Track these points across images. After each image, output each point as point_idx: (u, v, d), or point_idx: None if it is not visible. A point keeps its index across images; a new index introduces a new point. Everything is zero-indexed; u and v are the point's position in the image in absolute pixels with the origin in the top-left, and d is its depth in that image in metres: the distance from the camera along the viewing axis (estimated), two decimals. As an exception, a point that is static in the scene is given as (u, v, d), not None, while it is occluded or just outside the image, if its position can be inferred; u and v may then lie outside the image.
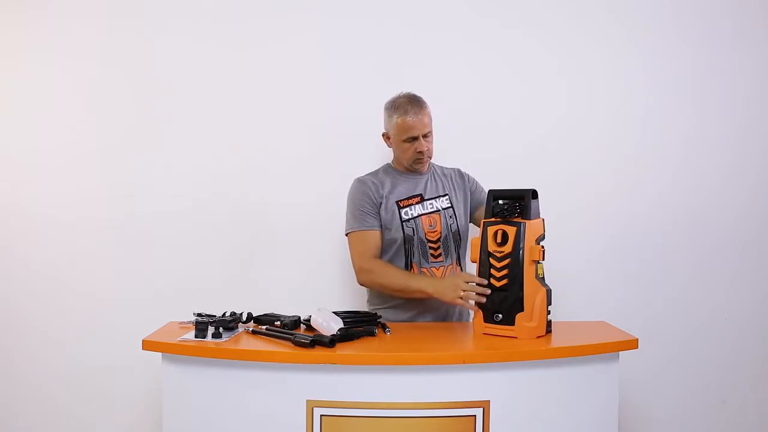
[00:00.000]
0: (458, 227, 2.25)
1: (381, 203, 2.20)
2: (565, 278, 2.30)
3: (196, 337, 1.83)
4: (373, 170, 2.32)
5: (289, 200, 2.61)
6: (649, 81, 2.62)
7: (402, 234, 2.18)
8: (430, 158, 2.27)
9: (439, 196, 2.27)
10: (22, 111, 2.63)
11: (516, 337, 1.86)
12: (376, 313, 2.11)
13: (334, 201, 2.36)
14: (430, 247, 2.20)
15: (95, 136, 2.62)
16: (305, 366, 1.73)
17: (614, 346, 1.85)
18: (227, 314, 1.98)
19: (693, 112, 2.63)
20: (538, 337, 1.87)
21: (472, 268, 2.03)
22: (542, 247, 1.90)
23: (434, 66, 2.59)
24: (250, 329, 1.95)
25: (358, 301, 2.40)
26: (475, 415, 1.72)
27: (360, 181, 2.25)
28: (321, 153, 2.61)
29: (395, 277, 2.13)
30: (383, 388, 1.73)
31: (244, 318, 2.04)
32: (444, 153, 2.39)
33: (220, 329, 1.86)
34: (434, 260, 2.20)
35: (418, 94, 2.24)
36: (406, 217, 2.20)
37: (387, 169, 2.31)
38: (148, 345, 1.82)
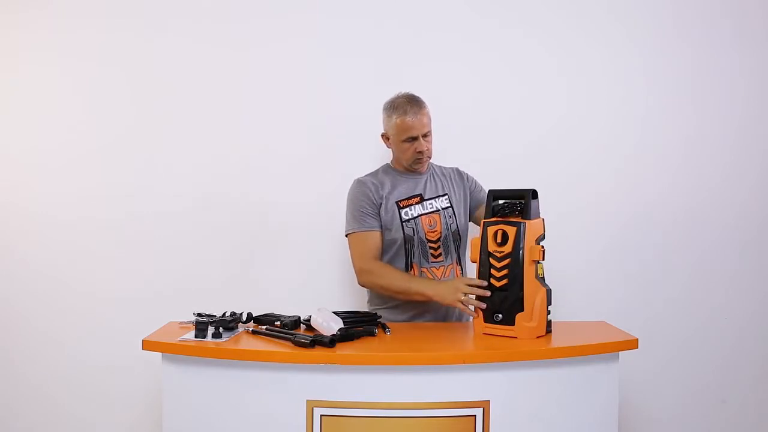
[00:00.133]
0: (458, 227, 2.25)
1: (381, 204, 2.20)
2: (565, 278, 2.30)
3: (196, 337, 1.83)
4: (373, 171, 2.32)
5: (289, 200, 2.61)
6: (649, 81, 2.62)
7: (402, 234, 2.18)
8: (430, 158, 2.27)
9: (439, 196, 2.27)
10: (22, 111, 2.63)
11: (516, 337, 1.86)
12: (376, 313, 2.10)
13: (334, 201, 2.36)
14: (431, 247, 2.20)
15: (95, 136, 2.62)
16: (305, 366, 1.73)
17: (614, 346, 1.85)
18: (227, 314, 1.98)
19: (693, 112, 2.63)
20: (538, 337, 1.87)
21: (472, 268, 2.04)
22: (542, 247, 1.89)
23: (434, 66, 2.59)
24: (250, 329, 1.95)
25: (358, 301, 2.40)
26: (475, 415, 1.72)
27: (359, 182, 2.25)
28: (321, 153, 2.61)
29: (396, 279, 2.13)
30: (383, 388, 1.73)
31: (244, 318, 2.04)
32: (444, 153, 2.39)
33: (220, 329, 1.86)
34: (434, 260, 2.20)
35: (417, 94, 2.24)
36: (406, 218, 2.20)
37: (386, 169, 2.31)
38: (148, 345, 1.82)
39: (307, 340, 1.75)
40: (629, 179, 2.63)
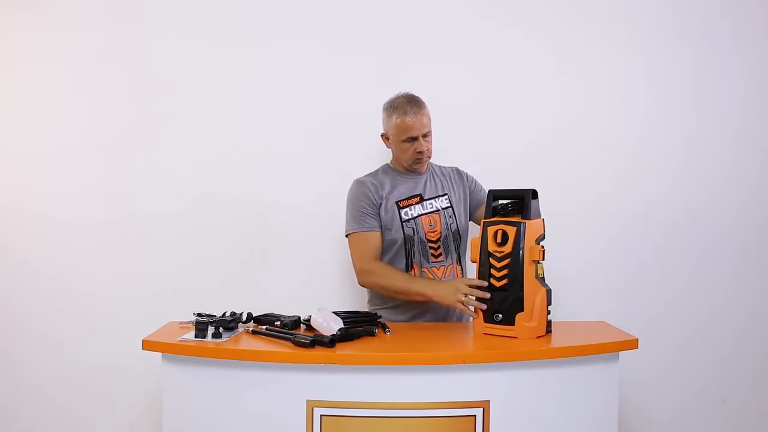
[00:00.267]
0: (458, 227, 2.25)
1: (381, 204, 2.20)
2: (565, 278, 2.30)
3: (196, 337, 1.83)
4: (372, 171, 2.32)
5: (289, 200, 2.61)
6: (649, 81, 2.62)
7: (402, 234, 2.18)
8: (430, 158, 2.27)
9: (439, 196, 2.27)
10: (22, 111, 2.63)
11: (516, 337, 1.86)
12: (376, 313, 2.10)
13: (334, 201, 2.36)
14: (431, 247, 2.20)
15: (95, 136, 2.62)
16: (305, 366, 1.73)
17: (614, 346, 1.85)
18: (227, 314, 1.98)
19: (693, 112, 2.63)
20: (538, 337, 1.87)
21: (472, 268, 2.04)
22: (542, 247, 1.89)
23: (434, 66, 2.59)
24: (250, 329, 1.95)
25: (358, 301, 2.40)
26: (475, 415, 1.72)
27: (359, 182, 2.25)
28: (321, 153, 2.61)
29: (396, 280, 2.13)
30: (383, 388, 1.73)
31: (244, 318, 2.04)
32: (444, 153, 2.39)
33: (220, 329, 1.86)
34: (434, 260, 2.20)
35: (417, 94, 2.24)
36: (406, 218, 2.20)
37: (386, 169, 2.31)
38: (148, 345, 1.82)
39: (307, 340, 1.75)
40: (629, 179, 2.63)
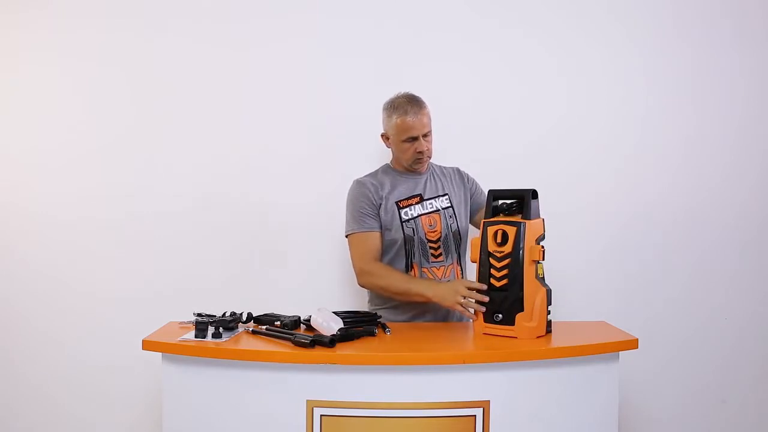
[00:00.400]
0: (458, 227, 2.25)
1: (380, 204, 2.20)
2: (565, 278, 2.30)
3: (196, 337, 1.82)
4: (372, 171, 2.32)
5: (289, 200, 2.61)
6: (649, 81, 2.62)
7: (402, 234, 2.18)
8: (430, 158, 2.27)
9: (439, 196, 2.27)
10: (22, 111, 2.63)
11: (516, 337, 1.86)
12: (376, 313, 2.10)
13: (334, 201, 2.35)
14: (431, 247, 2.20)
15: (95, 136, 2.62)
16: (305, 366, 1.73)
17: (614, 346, 1.85)
18: (227, 314, 1.98)
19: (693, 112, 2.63)
20: (538, 337, 1.87)
21: (472, 268, 2.04)
22: (542, 247, 1.89)
23: (434, 66, 2.59)
24: (250, 329, 1.95)
25: (358, 301, 2.40)
26: (475, 415, 1.72)
27: (359, 183, 2.25)
28: (321, 153, 2.61)
29: (395, 280, 2.13)
30: (383, 388, 1.73)
31: (244, 318, 2.04)
32: (444, 153, 2.39)
33: (220, 329, 1.86)
34: (435, 260, 2.20)
35: (417, 94, 2.23)
36: (406, 218, 2.20)
37: (386, 169, 2.31)
38: (148, 345, 1.82)
39: (307, 340, 1.75)
40: (629, 179, 2.63)
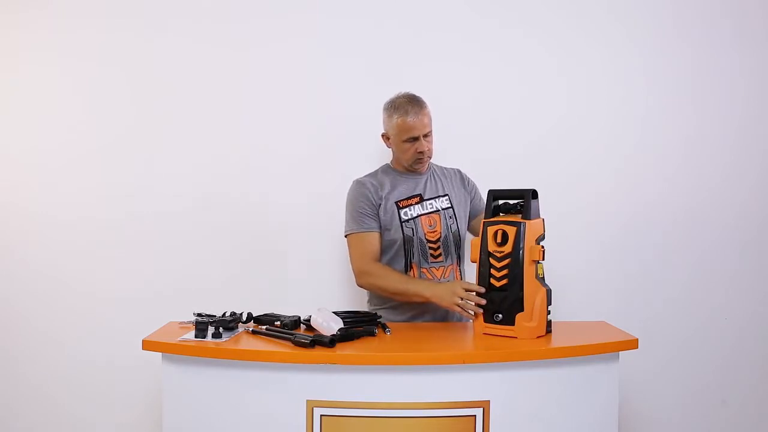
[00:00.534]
0: (458, 227, 2.25)
1: (380, 204, 2.20)
2: (565, 278, 2.30)
3: (196, 337, 1.83)
4: (372, 171, 2.31)
5: (289, 200, 2.61)
6: (649, 81, 2.62)
7: (401, 234, 2.18)
8: (430, 158, 2.27)
9: (439, 196, 2.26)
10: (22, 111, 2.63)
11: (516, 337, 1.86)
12: (376, 313, 2.10)
13: (334, 201, 2.35)
14: (430, 248, 2.20)
15: (95, 136, 2.62)
16: (305, 366, 1.73)
17: (614, 346, 1.85)
18: (227, 314, 1.98)
19: (693, 112, 2.63)
20: (538, 337, 1.87)
21: (472, 269, 2.04)
22: (542, 247, 1.89)
23: (434, 66, 2.59)
24: (250, 329, 1.95)
25: (358, 301, 2.40)
26: (475, 415, 1.72)
27: (359, 183, 2.25)
28: (321, 153, 2.61)
29: (394, 281, 2.13)
30: (383, 388, 1.73)
31: (244, 318, 2.04)
32: (444, 153, 2.39)
33: (220, 329, 1.86)
34: (434, 260, 2.20)
35: (417, 94, 2.23)
36: (406, 218, 2.20)
37: (386, 169, 2.31)
38: (148, 345, 1.82)
39: (307, 340, 1.75)
40: (629, 179, 2.63)
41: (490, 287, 1.91)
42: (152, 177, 2.62)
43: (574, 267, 2.55)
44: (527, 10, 2.62)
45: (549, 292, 1.91)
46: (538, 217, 1.94)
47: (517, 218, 1.91)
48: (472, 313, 1.96)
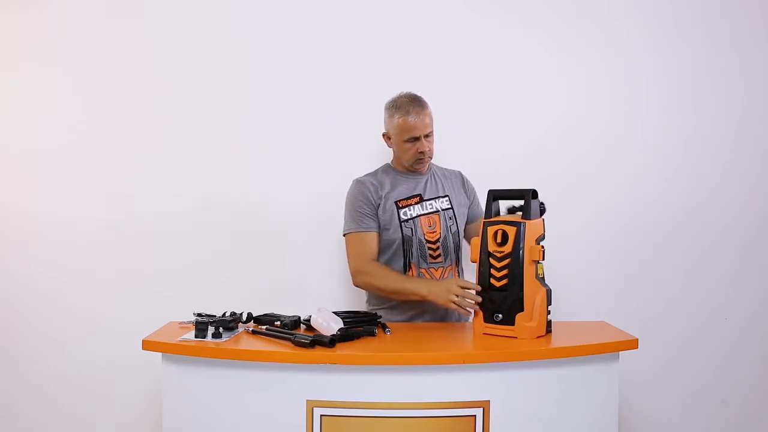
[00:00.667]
0: (458, 228, 2.25)
1: (379, 204, 2.20)
2: (565, 278, 2.30)
3: (196, 337, 1.82)
4: (373, 170, 2.31)
5: (289, 200, 2.61)
6: (649, 81, 2.62)
7: (401, 234, 2.18)
8: (431, 158, 2.27)
9: (439, 197, 2.26)
10: (22, 111, 2.63)
11: (516, 337, 1.86)
12: (376, 313, 2.10)
13: (334, 201, 2.35)
14: (429, 248, 2.20)
15: (95, 136, 2.62)
16: (305, 366, 1.73)
17: (614, 346, 1.85)
18: (227, 314, 1.98)
19: (693, 112, 2.63)
20: (538, 337, 1.87)
21: (471, 270, 2.03)
22: (542, 247, 1.89)
23: (434, 66, 2.59)
24: (250, 329, 1.95)
25: (358, 301, 2.40)
26: (475, 415, 1.72)
27: (359, 182, 2.25)
28: (321, 153, 2.61)
29: (391, 280, 2.13)
30: (383, 388, 1.73)
31: (244, 318, 2.04)
32: (444, 153, 2.39)
33: (220, 329, 1.86)
34: (433, 261, 2.20)
35: (418, 94, 2.23)
36: (405, 218, 2.20)
37: (387, 169, 2.31)
38: (148, 345, 1.82)
39: (307, 340, 1.75)
40: (629, 179, 2.63)
41: (490, 287, 1.91)
42: (152, 177, 2.62)
43: (574, 267, 2.55)
44: (527, 10, 2.62)
45: (549, 292, 1.91)
46: (538, 217, 1.94)
47: (517, 218, 1.91)
48: (471, 311, 1.96)
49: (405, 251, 2.19)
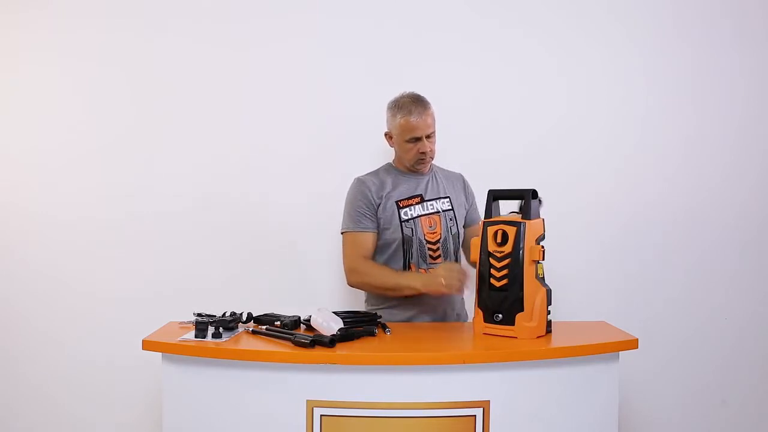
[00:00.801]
0: (458, 230, 2.25)
1: (379, 204, 2.20)
2: (565, 278, 2.30)
3: (196, 337, 1.82)
4: (374, 169, 2.31)
5: (290, 200, 2.61)
6: (649, 81, 2.62)
7: (401, 234, 2.18)
8: (432, 159, 2.26)
9: (440, 198, 2.26)
10: (22, 111, 2.63)
11: (516, 337, 1.86)
12: (376, 313, 2.10)
13: (334, 201, 2.35)
14: (429, 249, 2.20)
15: (95, 136, 2.62)
16: (305, 366, 1.73)
17: (614, 346, 1.85)
18: (227, 314, 1.98)
19: (693, 112, 2.63)
20: (538, 337, 1.87)
21: (472, 269, 2.04)
22: (542, 247, 1.89)
23: (434, 66, 2.59)
24: (250, 329, 1.95)
25: (358, 301, 2.40)
26: (475, 415, 1.72)
27: (359, 181, 2.25)
28: (321, 153, 2.61)
29: (384, 277, 2.13)
30: (383, 388, 1.73)
31: (244, 318, 2.04)
32: (444, 153, 2.38)
33: (220, 329, 1.86)
34: (433, 261, 2.20)
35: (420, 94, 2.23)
36: (405, 218, 2.20)
37: (388, 168, 2.30)
38: (148, 345, 1.82)
39: (307, 340, 1.75)
40: (629, 179, 2.63)
41: (490, 287, 1.91)
42: (152, 177, 2.62)
43: (574, 267, 2.55)
44: (527, 10, 2.62)
45: (549, 292, 1.91)
46: (538, 217, 1.94)
47: (517, 218, 1.91)
48: (464, 291, 2.02)
49: (405, 251, 2.19)
